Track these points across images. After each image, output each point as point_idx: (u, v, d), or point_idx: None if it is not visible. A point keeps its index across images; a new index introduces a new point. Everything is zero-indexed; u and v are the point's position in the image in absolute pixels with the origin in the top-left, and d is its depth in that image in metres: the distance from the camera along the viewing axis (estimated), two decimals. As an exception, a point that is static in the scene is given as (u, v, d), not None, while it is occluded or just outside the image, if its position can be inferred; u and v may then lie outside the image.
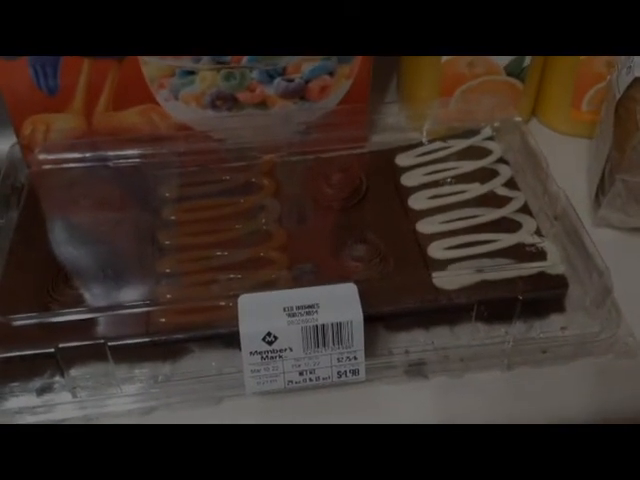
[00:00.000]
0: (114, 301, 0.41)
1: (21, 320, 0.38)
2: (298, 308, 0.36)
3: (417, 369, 0.40)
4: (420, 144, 0.51)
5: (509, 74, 0.53)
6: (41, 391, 0.38)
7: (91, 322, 0.39)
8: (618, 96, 0.44)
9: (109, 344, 0.36)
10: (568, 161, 0.53)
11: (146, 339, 0.38)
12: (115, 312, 0.39)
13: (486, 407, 0.39)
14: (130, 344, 0.38)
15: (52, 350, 0.36)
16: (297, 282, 0.42)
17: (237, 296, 0.38)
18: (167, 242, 0.45)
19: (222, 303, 0.39)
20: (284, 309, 0.36)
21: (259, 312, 0.36)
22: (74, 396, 0.38)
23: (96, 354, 0.37)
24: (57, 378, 0.38)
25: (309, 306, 0.37)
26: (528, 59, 0.53)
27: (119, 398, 0.38)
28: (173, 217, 0.47)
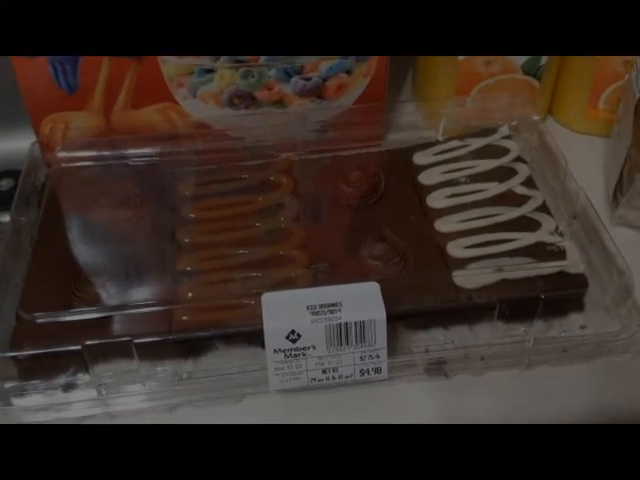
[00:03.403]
0: (136, 299, 0.41)
1: (46, 318, 0.38)
2: (321, 306, 0.37)
3: (437, 367, 0.40)
4: (437, 143, 0.51)
5: (526, 73, 0.53)
6: (67, 388, 0.38)
7: (115, 320, 0.39)
8: (638, 95, 0.45)
9: (135, 341, 0.37)
10: (584, 160, 0.53)
11: (170, 337, 0.39)
12: (138, 310, 0.39)
13: (506, 405, 0.39)
14: (154, 342, 0.38)
15: (78, 347, 0.36)
16: (317, 280, 0.42)
17: (259, 294, 0.38)
18: (187, 240, 0.45)
19: (244, 301, 0.39)
20: (307, 307, 0.37)
21: (283, 310, 0.37)
22: (99, 393, 0.38)
23: (121, 351, 0.37)
24: (82, 375, 0.38)
25: (332, 304, 0.37)
26: (545, 58, 0.53)
27: (143, 395, 0.39)
28: (192, 215, 0.47)
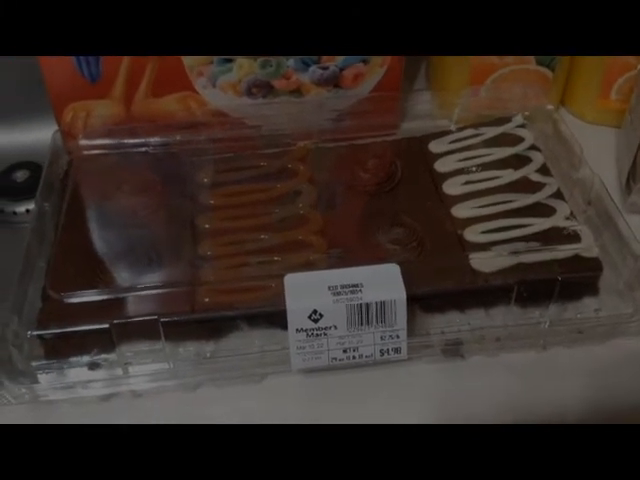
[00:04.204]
0: (159, 282, 0.42)
1: (74, 297, 0.39)
2: (342, 287, 0.38)
3: (454, 349, 0.41)
4: (452, 131, 0.52)
5: (539, 63, 0.54)
6: (92, 366, 0.39)
7: (138, 301, 0.40)
8: (651, 84, 0.45)
9: (162, 320, 0.37)
10: (596, 149, 0.53)
11: (195, 316, 0.39)
12: (163, 290, 0.40)
13: (521, 385, 0.40)
14: (179, 321, 0.39)
15: (106, 326, 0.37)
16: (335, 264, 0.43)
17: (281, 276, 0.39)
18: (207, 226, 0.46)
19: (266, 283, 0.40)
20: (329, 288, 0.37)
21: (305, 291, 0.38)
22: (125, 372, 0.39)
23: (148, 331, 0.38)
24: (108, 354, 0.39)
25: (353, 285, 0.38)
26: (558, 49, 0.53)
27: (166, 374, 0.39)
28: (211, 201, 0.48)
